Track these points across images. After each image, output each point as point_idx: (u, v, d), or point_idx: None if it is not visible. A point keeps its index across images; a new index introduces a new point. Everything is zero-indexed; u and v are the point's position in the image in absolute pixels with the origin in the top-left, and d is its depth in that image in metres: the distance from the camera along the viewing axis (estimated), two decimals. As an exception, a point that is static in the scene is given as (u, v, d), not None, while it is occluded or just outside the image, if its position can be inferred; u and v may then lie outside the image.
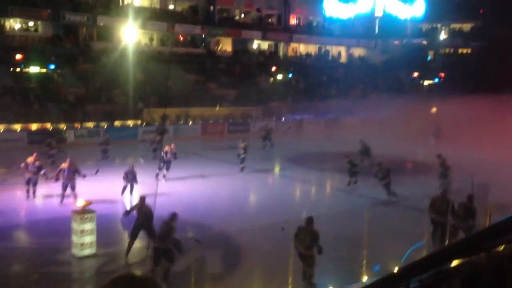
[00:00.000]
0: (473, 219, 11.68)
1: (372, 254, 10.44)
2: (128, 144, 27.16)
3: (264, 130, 28.19)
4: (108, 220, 13.30)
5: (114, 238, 12.65)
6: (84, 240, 11.19)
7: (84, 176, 15.52)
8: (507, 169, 16.76)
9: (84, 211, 11.31)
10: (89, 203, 11.57)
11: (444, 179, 17.81)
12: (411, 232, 13.48)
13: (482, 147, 23.31)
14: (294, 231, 9.90)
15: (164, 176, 18.44)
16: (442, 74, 50.52)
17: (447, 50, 55.36)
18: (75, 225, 11.26)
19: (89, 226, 11.24)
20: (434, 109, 44.46)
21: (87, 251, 11.22)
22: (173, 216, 10.42)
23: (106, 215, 13.18)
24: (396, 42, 54.02)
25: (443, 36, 55.42)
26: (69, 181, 15.39)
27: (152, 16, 39.26)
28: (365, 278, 9.95)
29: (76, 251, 11.21)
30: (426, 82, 51.76)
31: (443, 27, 56.23)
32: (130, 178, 16.36)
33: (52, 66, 33.38)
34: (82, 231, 11.16)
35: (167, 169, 18.92)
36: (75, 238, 11.27)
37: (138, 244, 12.34)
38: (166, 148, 19.30)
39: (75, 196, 14.94)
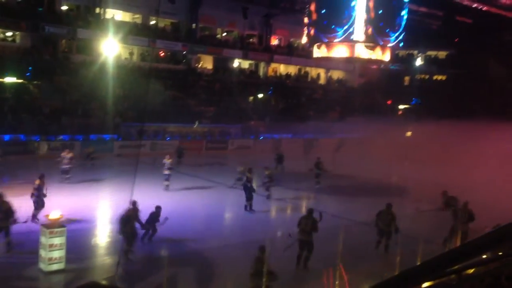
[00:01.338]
0: (472, 221, 13.52)
1: (346, 273, 10.40)
2: (104, 158, 26.76)
3: (276, 154, 27.50)
4: (78, 235, 12.98)
5: (83, 254, 12.34)
6: (52, 255, 10.88)
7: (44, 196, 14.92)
8: (475, 193, 17.04)
9: (54, 225, 11.02)
10: (59, 217, 11.29)
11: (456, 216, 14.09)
12: (382, 253, 13.55)
13: (453, 170, 23.79)
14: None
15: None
16: (415, 99, 51.66)
17: (423, 76, 56.76)
18: (43, 239, 10.95)
19: (58, 240, 10.94)
20: (409, 133, 45.27)
21: (55, 266, 10.90)
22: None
23: (76, 229, 12.87)
24: (374, 67, 55.09)
25: (419, 62, 56.84)
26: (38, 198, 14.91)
27: (133, 31, 39.23)
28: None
29: (44, 266, 10.88)
30: (402, 106, 52.77)
31: (420, 54, 57.72)
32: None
33: (29, 77, 32.86)
34: (51, 246, 10.85)
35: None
36: (43, 253, 10.94)
37: (109, 259, 12.09)
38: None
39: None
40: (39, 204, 14.52)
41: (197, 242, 13.72)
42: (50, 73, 33.73)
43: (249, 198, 17.83)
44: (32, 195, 14.62)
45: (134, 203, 12.68)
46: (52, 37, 36.79)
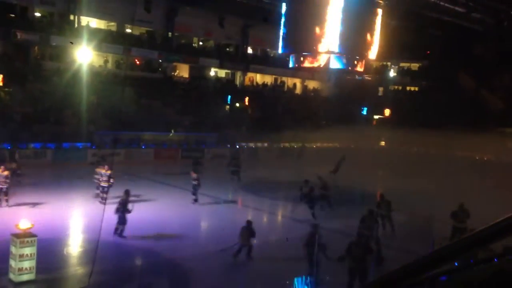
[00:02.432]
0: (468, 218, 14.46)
1: (319, 282, 10.46)
2: (76, 166, 26.31)
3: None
4: (50, 245, 12.69)
5: (55, 264, 12.06)
6: (22, 265, 10.59)
7: None
8: (447, 202, 17.42)
9: (25, 235, 10.75)
10: (30, 226, 11.02)
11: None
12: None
13: (426, 180, 24.27)
14: None
15: None
16: (388, 110, 52.59)
17: (396, 87, 57.90)
18: (14, 249, 10.66)
19: (29, 250, 10.66)
20: (382, 143, 46.03)
21: (26, 277, 10.61)
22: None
23: (48, 239, 12.58)
24: (349, 77, 55.90)
25: (392, 73, 57.97)
26: None
27: (108, 38, 38.86)
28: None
29: (14, 277, 10.58)
30: (376, 116, 53.63)
31: (393, 66, 58.89)
32: (104, 179, 18.14)
33: (0, 84, 32.12)
34: (21, 256, 10.57)
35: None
36: (13, 263, 10.65)
37: (81, 270, 11.86)
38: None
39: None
40: (123, 220, 14.40)
41: (171, 251, 13.57)
42: (22, 80, 33.08)
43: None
44: (117, 210, 14.37)
45: (127, 192, 14.48)
46: (24, 43, 36.11)
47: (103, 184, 18.18)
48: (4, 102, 31.61)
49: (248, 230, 13.14)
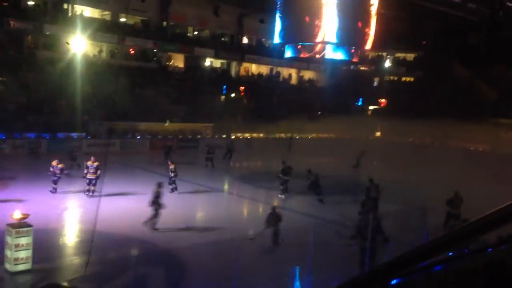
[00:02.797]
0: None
1: (314, 273, 10.54)
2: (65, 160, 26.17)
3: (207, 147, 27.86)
4: (46, 235, 12.70)
5: (50, 254, 12.07)
6: (18, 255, 10.60)
7: None
8: (441, 192, 17.52)
9: (20, 225, 10.75)
10: (25, 216, 11.02)
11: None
12: (352, 252, 13.78)
13: (421, 170, 24.39)
14: None
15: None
16: (383, 100, 52.67)
17: (392, 77, 57.93)
18: (9, 239, 10.66)
19: (24, 240, 10.67)
20: (378, 133, 46.15)
21: (21, 267, 10.62)
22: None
23: (43, 229, 12.59)
24: (344, 68, 55.84)
25: (388, 64, 57.96)
26: None
27: (102, 27, 38.56)
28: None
29: (10, 266, 10.59)
30: (371, 107, 53.73)
31: (388, 56, 58.86)
32: (91, 171, 17.77)
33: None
34: (17, 246, 10.57)
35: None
36: (8, 253, 10.66)
37: (77, 260, 11.89)
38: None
39: None
40: (157, 212, 14.37)
41: (166, 241, 13.60)
42: (16, 69, 32.81)
43: None
44: (152, 203, 14.40)
45: (159, 184, 14.96)
46: (17, 32, 35.77)
47: (89, 176, 17.92)
48: (-3, 91, 31.39)
49: (274, 215, 13.52)
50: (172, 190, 19.45)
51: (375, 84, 58.09)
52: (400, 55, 59.06)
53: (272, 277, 11.31)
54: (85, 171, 18.20)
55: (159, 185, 15.14)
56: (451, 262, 2.26)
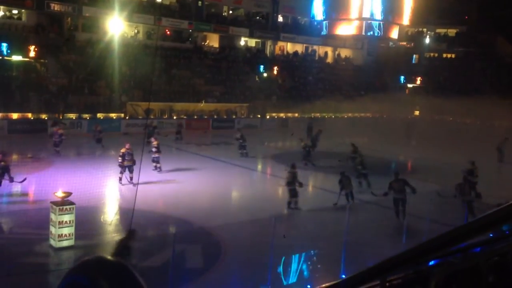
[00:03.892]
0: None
1: (351, 252, 10.51)
2: (111, 136, 26.86)
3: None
4: (88, 212, 13.16)
5: (92, 231, 12.52)
6: (62, 231, 11.04)
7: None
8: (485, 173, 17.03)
9: (63, 203, 11.16)
10: (68, 194, 11.42)
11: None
12: (390, 232, 13.64)
13: (460, 149, 23.70)
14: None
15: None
16: (423, 78, 51.10)
17: (432, 54, 56.07)
18: (53, 217, 11.10)
19: (67, 217, 11.09)
20: (417, 112, 45.04)
21: (65, 243, 11.08)
22: None
23: (85, 207, 13.03)
24: (382, 45, 54.45)
25: (428, 40, 56.09)
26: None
27: (139, 8, 38.91)
28: (343, 276, 10.02)
29: (54, 243, 11.06)
30: (410, 85, 52.34)
31: (429, 32, 56.90)
32: (128, 158, 16.85)
33: (35, 56, 32.84)
34: (60, 223, 11.01)
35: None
36: (53, 230, 11.12)
37: (117, 237, 12.25)
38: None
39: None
40: (294, 192, 15.23)
41: (204, 220, 13.84)
42: (56, 51, 33.69)
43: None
44: (288, 183, 15.27)
45: (293, 165, 15.56)
46: (57, 15, 36.62)
47: (126, 163, 17.35)
48: (40, 73, 32.38)
49: (347, 178, 15.86)
50: (156, 168, 18.98)
51: (415, 61, 56.41)
52: (441, 30, 56.97)
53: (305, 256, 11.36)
54: (120, 160, 17.37)
55: (293, 166, 15.71)
56: (491, 244, 2.19)
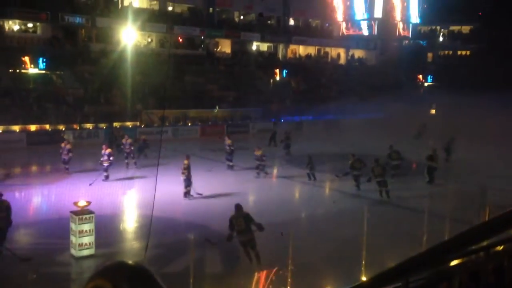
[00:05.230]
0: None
1: (370, 254, 10.43)
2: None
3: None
4: (107, 221, 13.28)
5: (112, 239, 12.64)
6: (82, 240, 11.17)
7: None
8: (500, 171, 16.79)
9: (83, 212, 11.29)
10: (87, 203, 11.55)
11: None
12: (409, 233, 13.49)
13: (478, 146, 23.40)
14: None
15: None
16: (438, 76, 50.58)
17: (446, 52, 55.49)
18: (73, 226, 11.24)
19: (87, 227, 11.22)
20: (433, 110, 44.57)
21: (86, 252, 11.20)
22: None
23: (104, 216, 13.16)
24: (395, 44, 54.08)
25: (442, 38, 55.55)
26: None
27: (151, 17, 39.31)
28: (363, 279, 9.93)
29: (75, 252, 11.19)
30: (426, 83, 51.86)
31: (442, 29, 56.36)
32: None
33: (51, 68, 33.38)
34: (80, 232, 11.14)
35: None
36: (73, 239, 11.25)
37: (137, 244, 12.36)
38: None
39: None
40: (188, 182, 16.43)
41: (221, 226, 13.85)
42: (72, 62, 34.19)
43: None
44: (183, 174, 16.43)
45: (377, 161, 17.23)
46: (71, 26, 37.19)
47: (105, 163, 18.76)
48: (56, 85, 32.89)
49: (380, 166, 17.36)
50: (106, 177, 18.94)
51: (429, 59, 55.89)
52: (454, 28, 56.38)
53: (323, 258, 11.30)
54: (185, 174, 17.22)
55: (377, 161, 17.33)
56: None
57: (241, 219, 11.02)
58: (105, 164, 18.78)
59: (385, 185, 17.04)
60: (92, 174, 19.42)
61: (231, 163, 21.82)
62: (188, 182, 16.63)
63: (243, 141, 28.70)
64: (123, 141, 21.80)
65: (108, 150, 19.10)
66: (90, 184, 17.11)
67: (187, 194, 16.56)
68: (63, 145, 20.57)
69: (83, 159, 22.19)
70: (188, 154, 17.74)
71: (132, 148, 21.62)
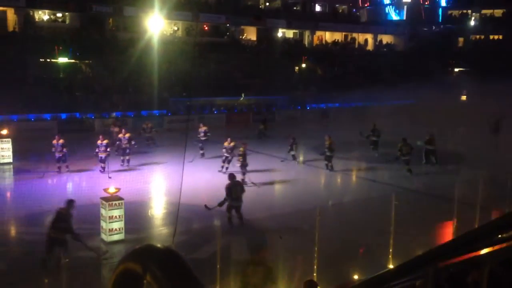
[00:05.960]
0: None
1: (398, 242, 10.35)
2: (155, 133, 27.42)
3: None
4: (136, 207, 13.55)
5: (142, 225, 12.90)
6: (112, 226, 11.45)
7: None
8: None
9: (113, 198, 11.55)
10: (117, 190, 11.80)
11: None
12: (437, 221, 13.32)
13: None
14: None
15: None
16: (469, 61, 49.19)
17: (478, 37, 53.91)
18: (103, 212, 11.52)
19: (117, 212, 11.48)
20: (463, 97, 43.55)
21: (116, 237, 11.48)
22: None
23: (133, 202, 13.42)
24: (425, 29, 52.84)
25: (473, 22, 53.96)
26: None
27: (178, 5, 39.41)
28: (391, 266, 9.87)
29: (105, 237, 11.48)
30: (456, 69, 50.59)
31: (474, 13, 54.72)
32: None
33: (80, 57, 33.97)
34: (110, 218, 11.41)
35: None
36: (104, 224, 11.53)
37: (165, 230, 12.58)
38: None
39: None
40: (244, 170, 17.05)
41: (248, 212, 13.95)
42: (100, 52, 34.65)
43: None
44: (238, 161, 17.39)
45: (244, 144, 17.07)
46: (99, 16, 37.65)
47: (101, 154, 18.19)
48: (85, 74, 33.47)
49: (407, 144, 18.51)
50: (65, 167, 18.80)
51: (460, 44, 54.40)
52: (486, 11, 54.60)
53: (350, 247, 11.26)
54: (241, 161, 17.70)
55: (405, 140, 18.44)
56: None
57: (237, 188, 13.00)
58: (102, 155, 17.97)
59: (409, 163, 18.79)
60: (117, 161, 19.75)
61: (202, 151, 21.22)
62: (244, 169, 16.98)
63: (269, 130, 28.70)
64: (120, 136, 19.87)
65: (106, 141, 18.31)
66: (110, 178, 17.12)
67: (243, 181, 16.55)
68: (55, 141, 18.29)
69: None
70: (244, 142, 18.20)
71: (129, 144, 19.47)
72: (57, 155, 18.11)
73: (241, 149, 17.57)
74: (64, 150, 18.15)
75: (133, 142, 19.88)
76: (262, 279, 7.14)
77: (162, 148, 23.40)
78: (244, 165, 17.29)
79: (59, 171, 18.00)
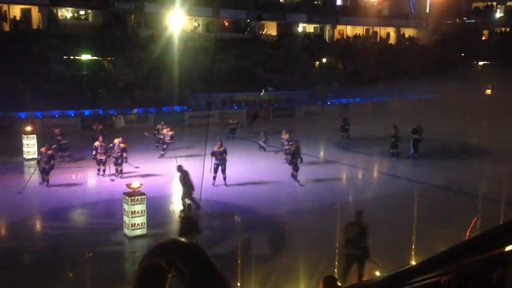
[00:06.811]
0: None
1: (420, 239, 10.22)
2: (175, 129, 27.64)
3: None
4: (158, 202, 13.69)
5: (163, 220, 13.03)
6: (135, 221, 11.59)
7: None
8: None
9: (135, 193, 11.69)
10: (139, 186, 11.93)
11: None
12: (461, 217, 13.08)
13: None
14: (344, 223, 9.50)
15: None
16: (494, 55, 48.08)
17: (503, 29, 52.66)
18: (126, 207, 11.67)
19: (139, 207, 11.62)
20: (488, 91, 42.69)
21: (138, 232, 11.62)
22: None
23: (155, 197, 13.57)
24: (449, 22, 51.85)
25: (498, 14, 52.72)
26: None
27: (198, 1, 39.51)
28: (413, 263, 9.75)
29: (128, 232, 11.63)
30: (481, 63, 49.53)
31: (499, 5, 53.45)
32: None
33: (102, 54, 34.43)
34: (133, 212, 11.55)
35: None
36: (126, 219, 11.69)
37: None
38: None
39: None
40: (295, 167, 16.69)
41: (269, 208, 13.97)
42: (122, 48, 35.08)
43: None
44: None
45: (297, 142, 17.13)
46: (121, 13, 38.06)
47: (100, 157, 17.19)
48: (107, 71, 33.91)
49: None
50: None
51: (484, 37, 53.22)
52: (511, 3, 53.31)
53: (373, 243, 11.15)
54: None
55: (396, 128, 19.12)
56: None
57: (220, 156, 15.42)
58: (101, 158, 17.19)
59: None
60: (143, 156, 19.98)
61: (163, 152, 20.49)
62: (295, 167, 16.64)
63: (289, 124, 28.62)
64: (164, 131, 20.01)
65: (104, 143, 17.40)
66: (121, 177, 16.86)
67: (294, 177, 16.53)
68: (42, 149, 16.17)
69: (134, 142, 22.83)
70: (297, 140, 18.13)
71: (119, 154, 17.21)
72: (42, 165, 15.72)
73: (293, 149, 17.07)
74: (52, 162, 15.93)
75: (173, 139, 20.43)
76: (357, 235, 9.05)
77: (184, 143, 23.51)
78: (294, 163, 16.71)
79: (42, 182, 15.87)
